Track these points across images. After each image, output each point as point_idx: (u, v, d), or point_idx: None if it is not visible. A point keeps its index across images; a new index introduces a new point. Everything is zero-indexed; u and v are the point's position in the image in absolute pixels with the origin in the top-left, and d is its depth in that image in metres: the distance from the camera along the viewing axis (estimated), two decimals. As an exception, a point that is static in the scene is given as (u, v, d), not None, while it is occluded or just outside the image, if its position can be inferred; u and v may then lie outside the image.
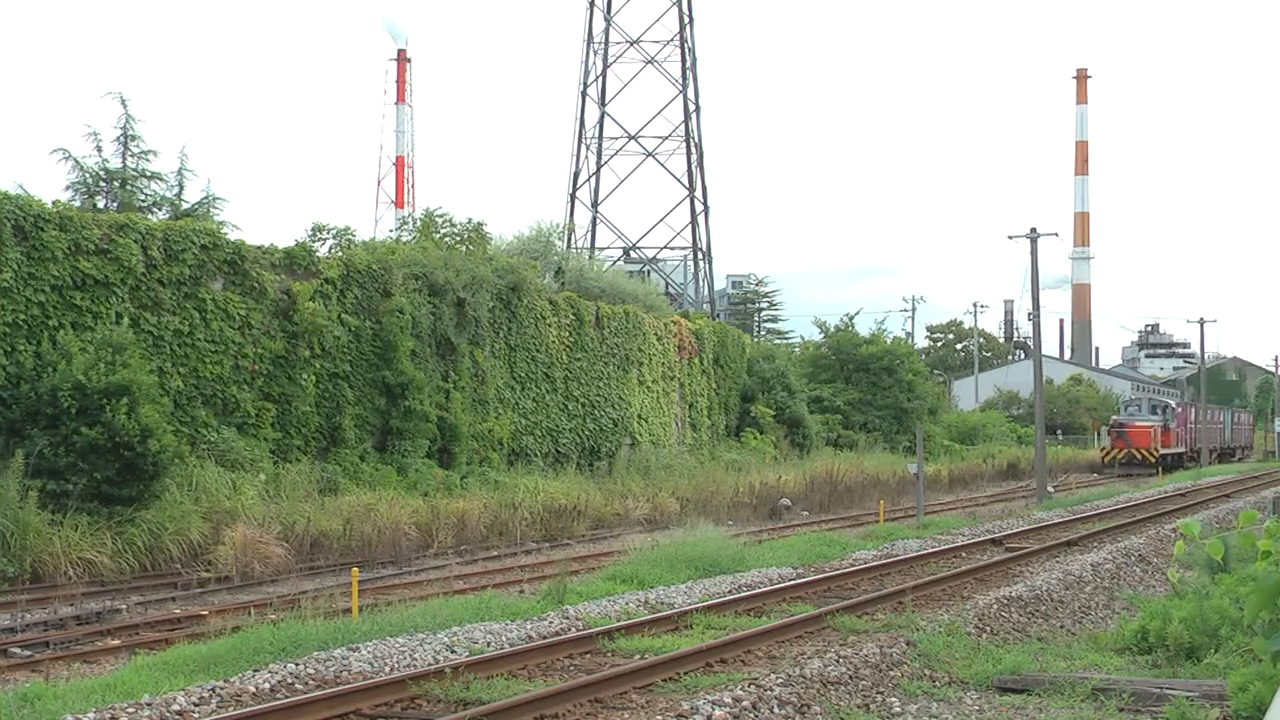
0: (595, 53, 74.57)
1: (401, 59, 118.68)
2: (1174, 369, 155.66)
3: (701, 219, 73.26)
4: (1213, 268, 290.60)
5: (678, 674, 12.02)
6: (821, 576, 18.84)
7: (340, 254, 31.19)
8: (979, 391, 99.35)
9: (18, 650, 15.12)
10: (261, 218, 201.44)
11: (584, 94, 74.59)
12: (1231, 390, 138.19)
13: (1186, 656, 12.74)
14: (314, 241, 32.11)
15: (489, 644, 13.34)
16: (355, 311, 29.86)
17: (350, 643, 12.99)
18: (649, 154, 73.45)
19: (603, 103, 74.08)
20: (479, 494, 29.39)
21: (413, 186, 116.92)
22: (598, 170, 74.05)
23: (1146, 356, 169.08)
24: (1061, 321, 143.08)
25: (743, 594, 17.03)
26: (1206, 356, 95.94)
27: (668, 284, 73.22)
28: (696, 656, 12.55)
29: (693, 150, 72.93)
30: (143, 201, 31.23)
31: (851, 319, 65.99)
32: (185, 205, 31.77)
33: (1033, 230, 44.22)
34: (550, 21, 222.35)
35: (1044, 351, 57.27)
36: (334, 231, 33.29)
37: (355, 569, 19.03)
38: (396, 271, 31.14)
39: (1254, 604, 6.25)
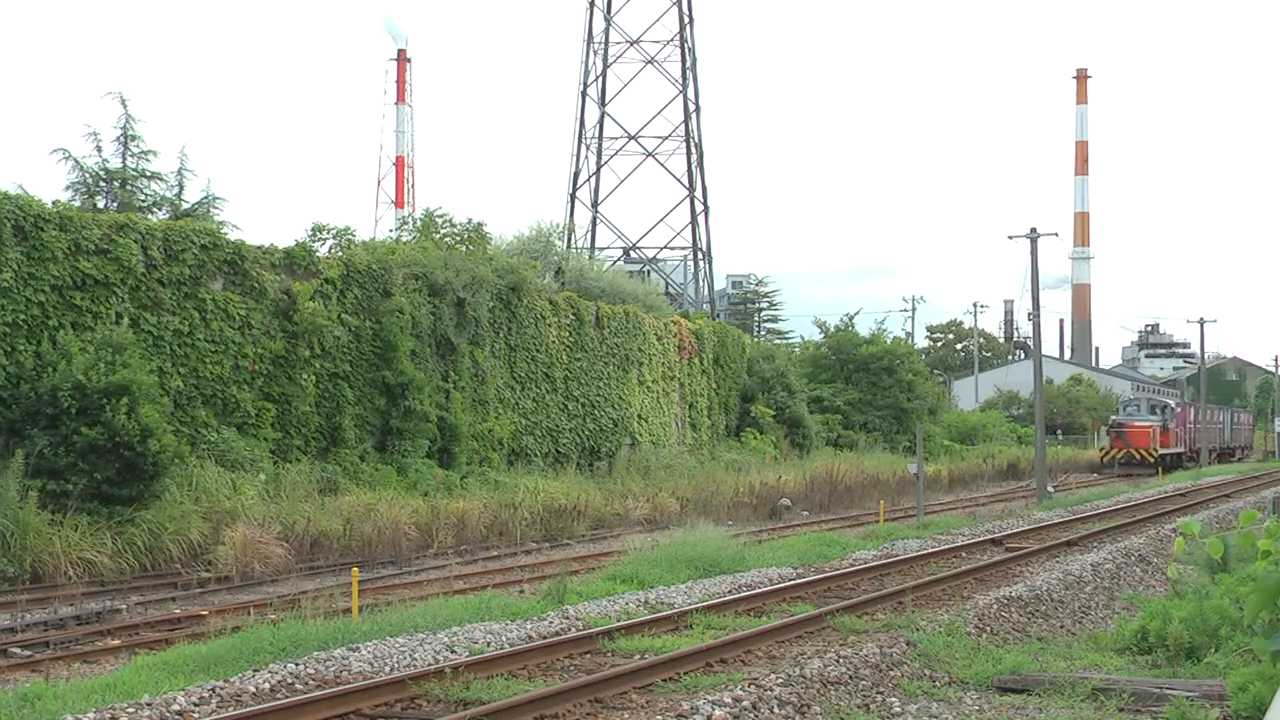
0: (595, 53, 74.64)
1: (401, 59, 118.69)
2: (1174, 369, 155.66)
3: (701, 219, 73.31)
4: (1213, 268, 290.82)
5: (678, 674, 12.02)
6: (821, 576, 18.84)
7: (340, 254, 31.20)
8: (979, 391, 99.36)
9: (18, 650, 15.12)
10: (261, 218, 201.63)
11: (584, 94, 74.62)
12: (1231, 390, 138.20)
13: (1186, 656, 12.75)
14: (314, 241, 32.12)
15: (489, 644, 13.34)
16: (355, 311, 29.87)
17: (350, 643, 12.99)
18: (649, 154, 73.48)
19: (603, 103, 74.10)
20: (479, 494, 29.39)
21: (413, 186, 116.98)
22: (598, 170, 74.08)
23: (1146, 356, 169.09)
24: (1061, 321, 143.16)
25: (743, 594, 17.02)
26: (1206, 356, 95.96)
27: (668, 284, 73.23)
28: (696, 656, 12.55)
29: (693, 150, 72.95)
30: (143, 201, 31.23)
31: (851, 319, 66.05)
32: (185, 205, 31.77)
33: (1033, 230, 44.23)
34: (550, 21, 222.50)
35: (1044, 351, 57.27)
36: (334, 231, 33.31)
37: (355, 569, 19.03)
38: (396, 271, 31.14)
39: (1254, 604, 6.25)
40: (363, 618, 14.94)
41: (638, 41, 74.07)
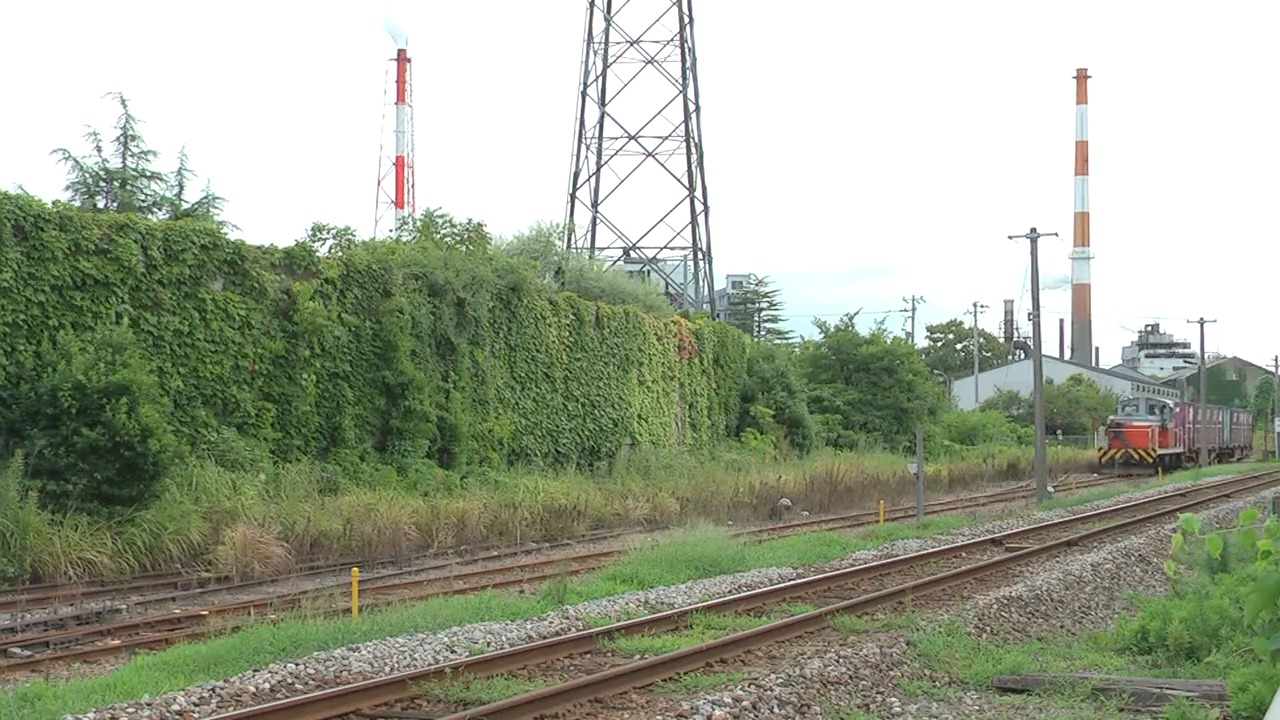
0: (595, 53, 74.64)
1: (401, 59, 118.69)
2: (1174, 369, 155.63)
3: (701, 219, 73.31)
4: (1213, 268, 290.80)
5: (678, 674, 12.02)
6: (821, 576, 18.84)
7: (340, 254, 31.20)
8: (979, 391, 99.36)
9: (18, 650, 15.12)
10: (261, 218, 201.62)
11: (584, 94, 74.62)
12: (1231, 390, 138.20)
13: (1186, 656, 12.75)
14: (314, 241, 32.12)
15: (489, 644, 13.34)
16: (355, 311, 29.87)
17: (350, 643, 12.99)
18: (649, 154, 73.48)
19: (603, 103, 74.10)
20: (479, 494, 29.38)
21: (413, 186, 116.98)
22: (598, 170, 74.08)
23: (1146, 356, 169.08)
24: (1061, 321, 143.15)
25: (743, 594, 17.02)
26: (1206, 356, 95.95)
27: (668, 284, 73.23)
28: (696, 656, 12.55)
29: (693, 150, 72.95)
30: (143, 201, 31.23)
31: (851, 319, 66.08)
32: (185, 205, 31.77)
33: (1033, 230, 44.23)
34: (550, 21, 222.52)
35: (1044, 351, 57.26)
36: (334, 231, 33.31)
37: (355, 569, 19.03)
38: (396, 271, 31.14)
39: (1254, 604, 6.24)
40: (363, 618, 14.94)
41: (638, 41, 74.09)
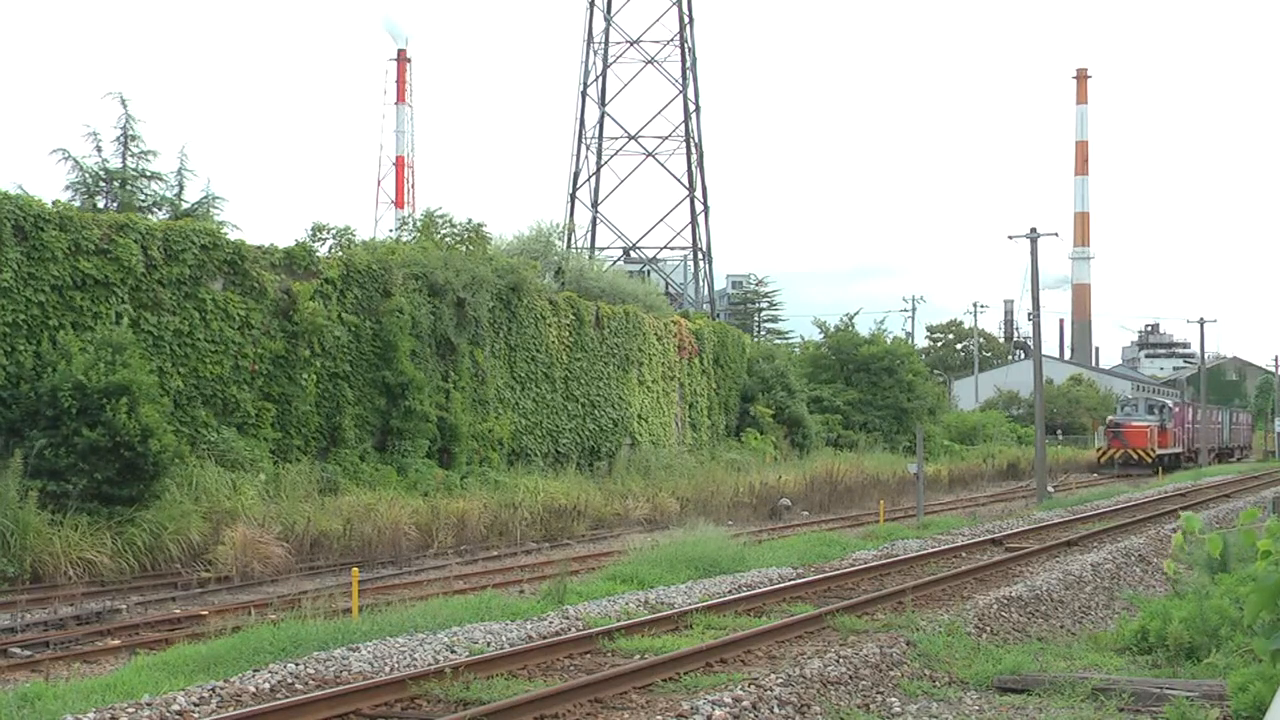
0: (595, 53, 74.64)
1: (401, 59, 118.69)
2: (1174, 369, 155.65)
3: (701, 219, 73.31)
4: (1213, 268, 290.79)
5: (678, 674, 12.02)
6: (821, 576, 18.84)
7: (340, 254, 31.20)
8: (979, 391, 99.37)
9: (18, 650, 15.12)
10: (261, 218, 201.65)
11: (584, 94, 74.62)
12: (1231, 390, 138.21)
13: (1186, 656, 12.75)
14: (314, 241, 32.12)
15: (489, 644, 13.34)
16: (355, 311, 29.87)
17: (350, 643, 12.99)
18: (649, 154, 73.48)
19: (603, 103, 74.10)
20: (479, 494, 29.39)
21: (413, 186, 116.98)
22: (598, 170, 74.08)
23: (1146, 356, 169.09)
24: (1061, 321, 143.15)
25: (743, 594, 17.03)
26: (1206, 356, 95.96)
27: (668, 284, 73.23)
28: (696, 656, 12.55)
29: (693, 150, 72.95)
30: (143, 201, 31.23)
31: (851, 319, 66.10)
32: (185, 205, 31.78)
33: (1033, 230, 44.23)
34: (550, 21, 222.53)
35: (1044, 351, 57.26)
36: (334, 231, 33.32)
37: (355, 569, 19.03)
38: (396, 271, 31.14)
39: (1254, 604, 6.25)
40: (363, 618, 14.94)
41: (638, 41, 74.09)
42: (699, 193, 73.31)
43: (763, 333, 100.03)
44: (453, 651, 12.91)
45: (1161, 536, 25.84)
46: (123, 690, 11.25)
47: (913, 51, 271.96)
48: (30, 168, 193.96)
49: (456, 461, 31.91)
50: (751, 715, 10.19)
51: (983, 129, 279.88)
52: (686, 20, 74.33)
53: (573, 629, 14.41)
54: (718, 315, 79.51)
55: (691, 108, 73.32)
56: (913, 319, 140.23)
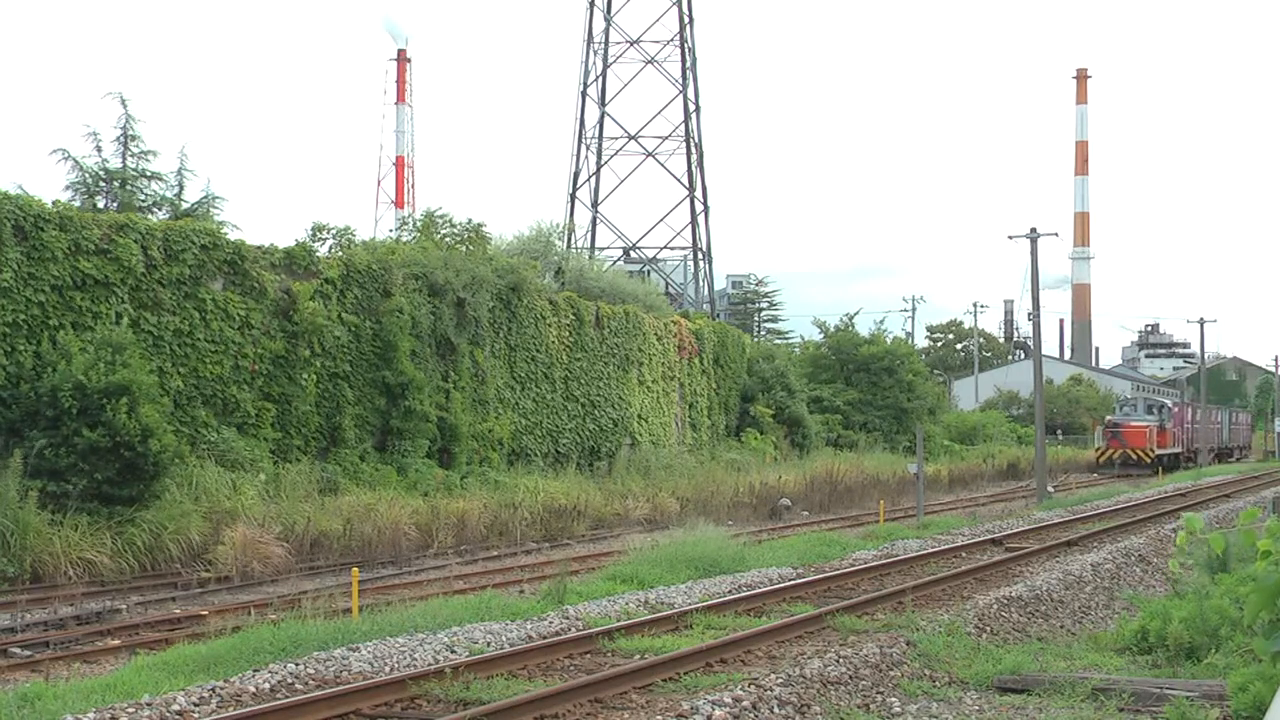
0: (595, 53, 74.63)
1: (401, 59, 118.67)
2: (1174, 369, 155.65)
3: (701, 219, 73.31)
4: (1213, 268, 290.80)
5: (678, 674, 12.02)
6: (821, 576, 18.84)
7: (340, 254, 31.20)
8: (979, 391, 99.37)
9: (18, 650, 15.12)
10: (261, 218, 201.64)
11: (584, 94, 74.62)
12: (1231, 390, 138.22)
13: (1186, 656, 12.75)
14: (314, 241, 32.13)
15: (489, 644, 13.34)
16: (355, 311, 29.87)
17: (350, 643, 12.99)
18: (649, 154, 73.48)
19: (603, 103, 74.09)
20: (479, 494, 29.39)
21: (413, 186, 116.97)
22: (598, 170, 74.07)
23: (1146, 356, 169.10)
24: (1061, 321, 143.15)
25: (743, 594, 17.02)
26: (1206, 356, 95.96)
27: (668, 284, 73.22)
28: (696, 656, 12.55)
29: (693, 150, 72.95)
30: (143, 201, 31.23)
31: (851, 319, 66.10)
32: (185, 205, 31.78)
33: (1033, 230, 44.23)
34: (550, 21, 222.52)
35: (1044, 351, 57.26)
36: (334, 231, 33.33)
37: (355, 569, 19.03)
38: (396, 271, 31.15)
39: (1254, 604, 6.24)
40: (363, 618, 14.94)
41: (638, 41, 74.08)
42: (699, 193, 73.36)
43: (763, 333, 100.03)
44: (453, 651, 12.91)
45: (1161, 536, 25.85)
46: (123, 690, 11.25)
47: (912, 51, 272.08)
48: (30, 168, 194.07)
49: (456, 461, 31.91)
50: (751, 715, 10.19)
51: (983, 129, 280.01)
52: (686, 20, 74.36)
53: (573, 629, 14.41)
54: (718, 315, 79.51)
55: (691, 108, 73.37)
56: (913, 319, 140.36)
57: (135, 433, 21.51)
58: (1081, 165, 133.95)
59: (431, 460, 31.05)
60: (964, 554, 22.76)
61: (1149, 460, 62.55)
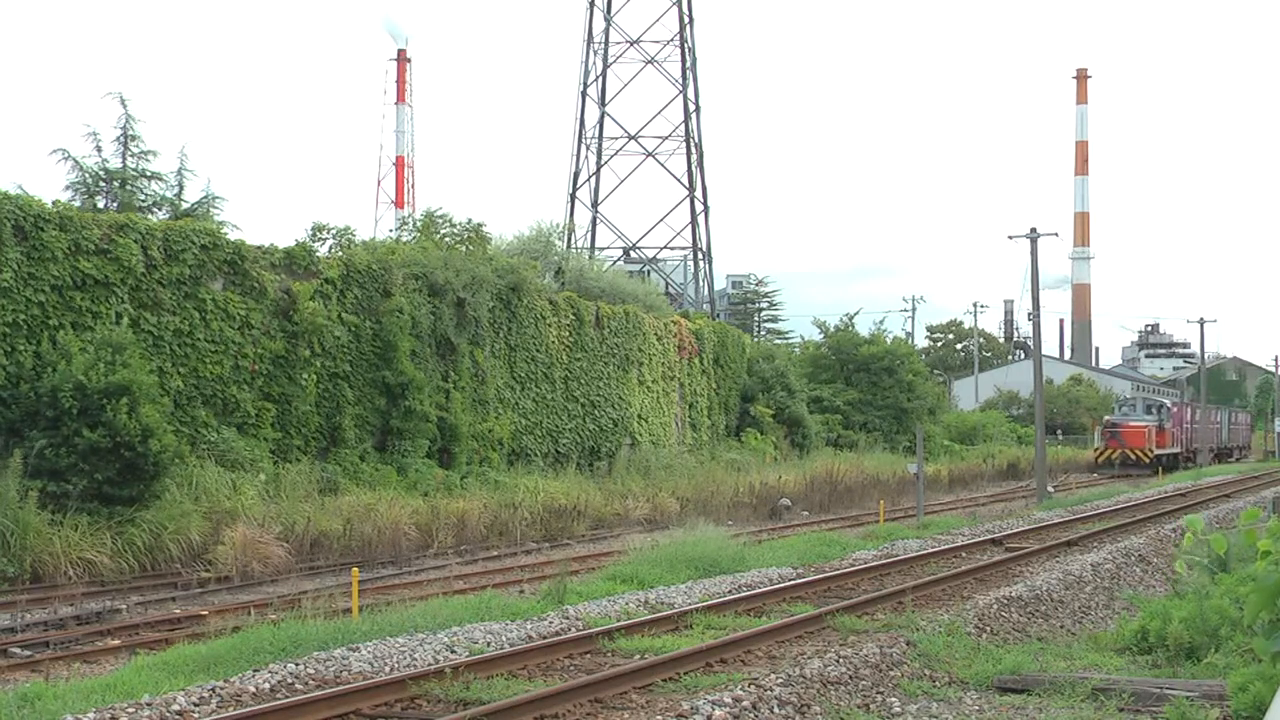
0: (595, 53, 74.63)
1: (401, 59, 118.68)
2: (1174, 369, 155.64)
3: (701, 219, 73.31)
4: (1213, 268, 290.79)
5: (678, 674, 12.02)
6: (821, 576, 18.84)
7: (340, 254, 31.20)
8: (979, 391, 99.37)
9: (18, 650, 15.12)
10: (261, 218, 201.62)
11: (584, 94, 74.62)
12: (1231, 390, 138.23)
13: (1186, 656, 12.75)
14: (314, 241, 32.13)
15: (489, 644, 13.34)
16: (355, 311, 29.87)
17: (350, 643, 12.99)
18: (649, 154, 73.48)
19: (603, 103, 74.09)
20: (479, 494, 29.39)
21: (413, 186, 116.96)
22: (598, 170, 74.07)
23: (1146, 356, 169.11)
24: (1061, 321, 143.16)
25: (743, 594, 17.02)
26: (1206, 356, 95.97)
27: (668, 284, 73.22)
28: (696, 656, 12.54)
29: (693, 150, 72.95)
30: (143, 201, 31.23)
31: (851, 319, 66.11)
32: (185, 205, 31.78)
33: (1033, 230, 44.23)
34: (550, 21, 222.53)
35: (1044, 351, 57.25)
36: (334, 231, 33.33)
37: (355, 569, 19.03)
38: (396, 271, 31.15)
39: (1254, 604, 6.25)
40: (363, 618, 14.94)
41: (638, 41, 74.08)
42: (699, 193, 73.36)
43: (763, 333, 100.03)
44: (453, 651, 12.91)
45: (1161, 536, 25.85)
46: (123, 690, 11.25)
47: (912, 51, 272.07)
48: (30, 168, 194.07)
49: (456, 461, 31.92)
50: (751, 715, 10.19)
51: (983, 129, 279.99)
52: (686, 20, 74.35)
53: (573, 629, 14.41)
54: (718, 315, 79.51)
55: (691, 108, 73.37)
56: (913, 319, 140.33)
57: (135, 433, 21.51)
58: (1081, 165, 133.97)
59: (431, 460, 31.05)
60: (964, 554, 22.75)
61: (1147, 460, 62.50)
